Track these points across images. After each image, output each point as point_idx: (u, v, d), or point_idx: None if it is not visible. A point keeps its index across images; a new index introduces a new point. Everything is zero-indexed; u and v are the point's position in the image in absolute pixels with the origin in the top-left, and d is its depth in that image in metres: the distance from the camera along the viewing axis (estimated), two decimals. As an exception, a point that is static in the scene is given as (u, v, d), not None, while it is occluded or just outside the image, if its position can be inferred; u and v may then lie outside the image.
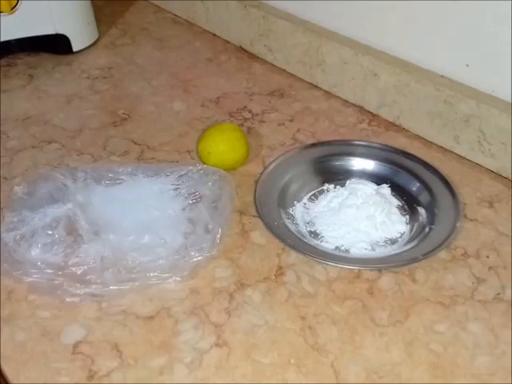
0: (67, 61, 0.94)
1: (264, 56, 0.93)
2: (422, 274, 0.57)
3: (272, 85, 0.88)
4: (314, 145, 0.74)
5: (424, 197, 0.66)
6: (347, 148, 0.73)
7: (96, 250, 0.57)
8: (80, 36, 0.96)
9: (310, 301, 0.55)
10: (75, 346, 0.51)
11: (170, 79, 0.90)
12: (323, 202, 0.66)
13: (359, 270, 0.58)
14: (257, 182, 0.67)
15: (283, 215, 0.64)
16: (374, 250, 0.61)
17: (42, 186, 0.64)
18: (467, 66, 0.70)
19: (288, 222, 0.63)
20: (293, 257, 0.59)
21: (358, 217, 0.63)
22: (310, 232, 0.63)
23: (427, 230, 0.62)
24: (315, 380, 0.48)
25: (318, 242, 0.62)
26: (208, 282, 0.57)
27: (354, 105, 0.83)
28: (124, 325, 0.53)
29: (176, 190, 0.65)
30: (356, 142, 0.74)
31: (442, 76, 0.73)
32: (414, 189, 0.67)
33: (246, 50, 0.96)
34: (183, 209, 0.63)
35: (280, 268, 0.58)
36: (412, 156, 0.70)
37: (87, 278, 0.55)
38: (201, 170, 0.67)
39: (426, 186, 0.66)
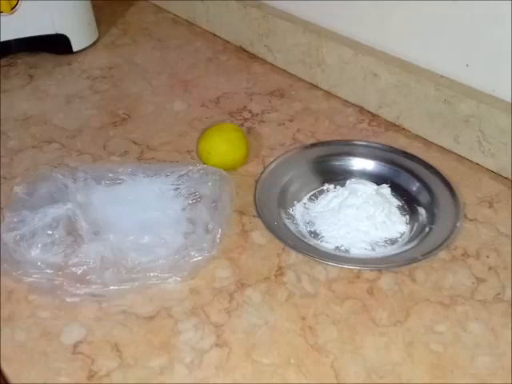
0: (67, 61, 0.94)
1: (264, 56, 0.93)
2: (422, 274, 0.57)
3: (272, 85, 0.88)
4: (314, 145, 0.74)
5: (424, 197, 0.66)
6: (347, 148, 0.73)
7: (96, 250, 0.57)
8: (80, 36, 0.96)
9: (309, 301, 0.55)
10: (75, 346, 0.51)
11: (170, 79, 0.90)
12: (323, 202, 0.66)
13: (359, 270, 0.58)
14: (257, 181, 0.67)
15: (283, 215, 0.64)
16: (374, 249, 0.61)
17: (42, 186, 0.64)
18: (467, 66, 0.70)
19: (288, 222, 0.63)
20: (293, 257, 0.59)
21: (357, 217, 0.63)
22: (310, 232, 0.63)
23: (427, 230, 0.62)
24: (315, 380, 0.48)
25: (318, 242, 0.62)
26: (208, 281, 0.57)
27: (354, 105, 0.83)
28: (124, 325, 0.53)
29: (176, 190, 0.65)
30: (356, 142, 0.73)
31: (441, 76, 0.73)
32: (414, 189, 0.67)
33: (245, 50, 0.96)
34: (183, 209, 0.63)
35: (280, 268, 0.58)
36: (412, 156, 0.70)
37: (87, 278, 0.55)
38: (201, 169, 0.67)
39: (426, 186, 0.66)
